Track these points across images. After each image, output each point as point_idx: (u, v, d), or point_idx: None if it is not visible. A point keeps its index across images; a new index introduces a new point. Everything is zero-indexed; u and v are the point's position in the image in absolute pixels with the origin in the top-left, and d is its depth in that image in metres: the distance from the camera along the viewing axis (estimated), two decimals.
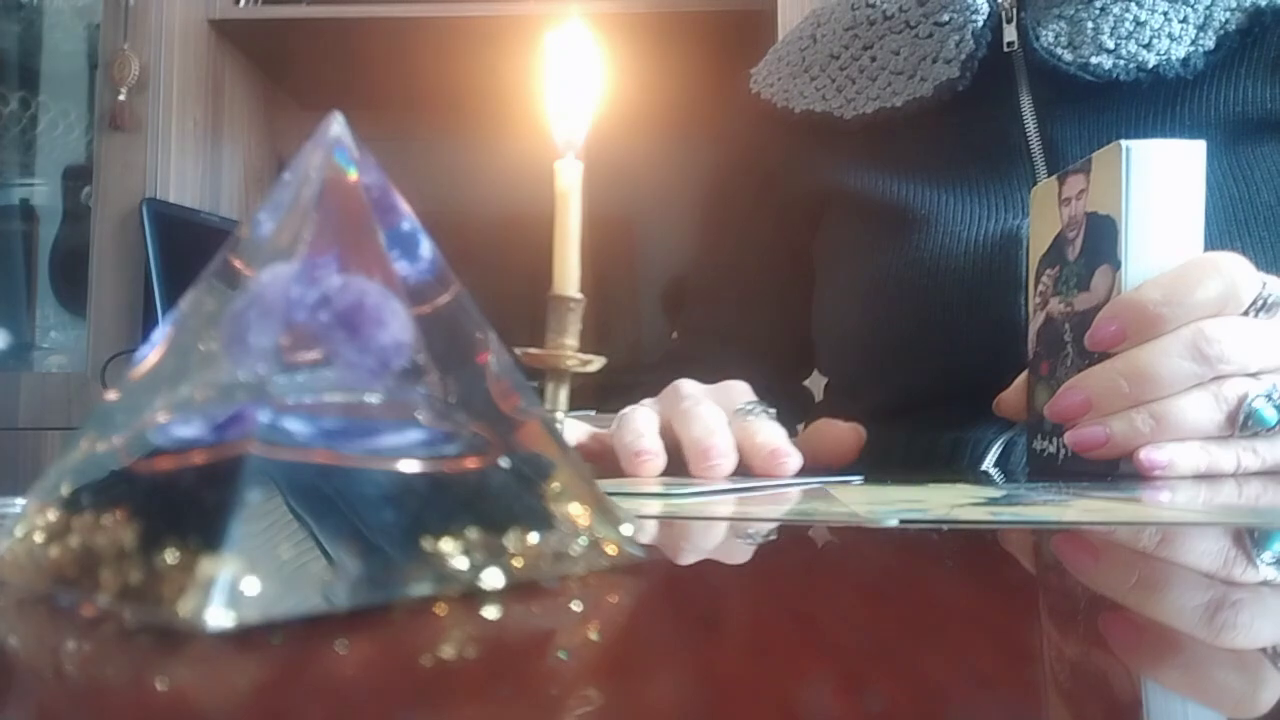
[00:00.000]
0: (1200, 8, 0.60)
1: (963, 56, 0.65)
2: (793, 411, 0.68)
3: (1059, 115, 0.64)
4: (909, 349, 0.67)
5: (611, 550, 0.20)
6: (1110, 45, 0.61)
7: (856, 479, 0.45)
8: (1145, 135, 0.61)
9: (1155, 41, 0.60)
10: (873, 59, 0.71)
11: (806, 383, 0.84)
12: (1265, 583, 0.20)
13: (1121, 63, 0.60)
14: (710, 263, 0.84)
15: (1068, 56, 0.62)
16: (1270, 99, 0.60)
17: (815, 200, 0.75)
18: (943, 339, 0.65)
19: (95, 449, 0.19)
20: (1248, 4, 0.60)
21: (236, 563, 0.15)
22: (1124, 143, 0.47)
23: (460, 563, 0.18)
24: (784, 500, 0.37)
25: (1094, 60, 0.61)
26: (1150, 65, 0.60)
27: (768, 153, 0.78)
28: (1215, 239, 0.56)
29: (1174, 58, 0.60)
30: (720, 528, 0.30)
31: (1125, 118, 0.62)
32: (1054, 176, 0.54)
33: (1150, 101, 0.62)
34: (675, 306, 1.82)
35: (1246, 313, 0.44)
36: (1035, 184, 0.64)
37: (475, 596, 0.17)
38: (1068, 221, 0.52)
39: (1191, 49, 0.60)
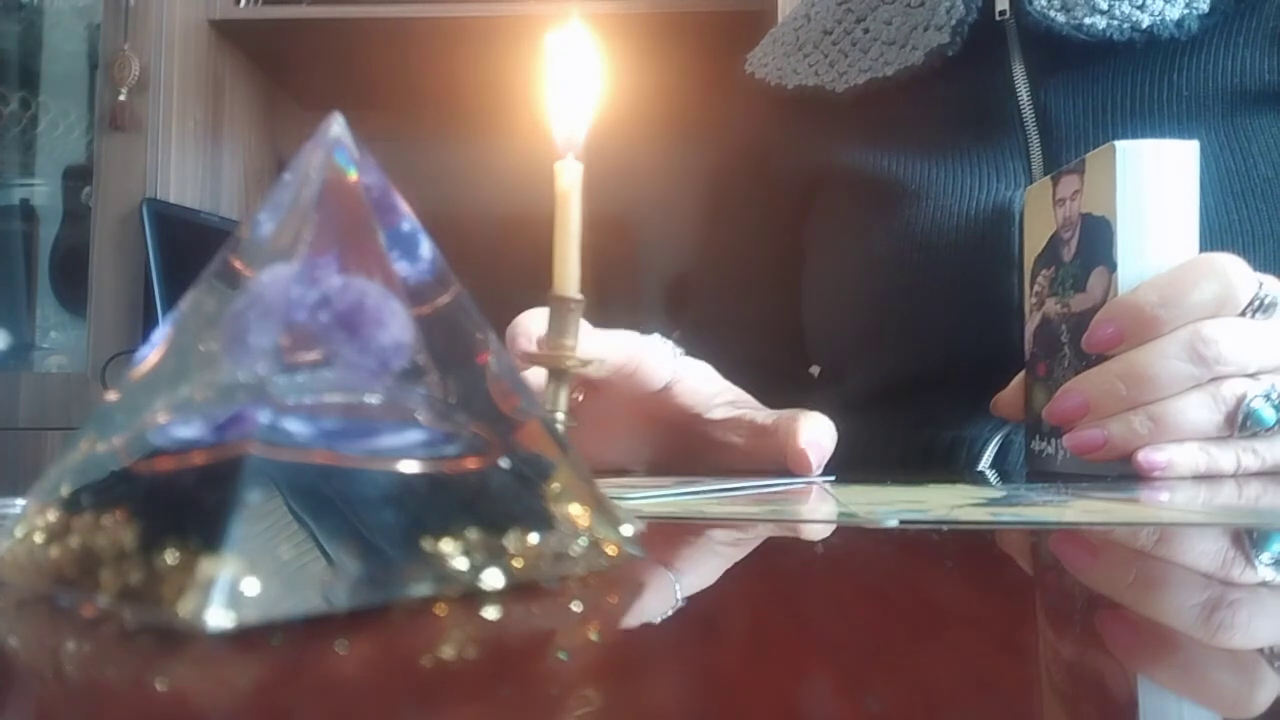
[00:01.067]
0: None
1: (953, 22, 0.64)
2: (802, 398, 0.68)
3: (1052, 83, 0.63)
4: (901, 328, 0.66)
5: (611, 550, 0.20)
6: (1104, 6, 0.60)
7: (828, 478, 0.45)
8: (1140, 104, 0.61)
9: (1149, 3, 0.60)
10: (865, 31, 0.71)
11: None
12: (1264, 583, 0.20)
13: (1115, 22, 0.60)
14: (713, 253, 0.84)
15: (1061, 18, 0.61)
16: (1268, 70, 0.60)
17: (809, 181, 0.75)
18: (935, 317, 0.64)
19: (95, 449, 0.19)
20: None
21: (236, 563, 0.15)
22: (1117, 143, 0.47)
23: (460, 563, 0.18)
24: (784, 500, 0.37)
25: (1087, 21, 0.60)
26: (1144, 25, 0.59)
27: (763, 134, 0.78)
28: (1212, 212, 0.56)
29: (1168, 18, 0.59)
30: (720, 528, 0.30)
31: (1120, 86, 0.61)
32: (1048, 176, 0.54)
33: (1146, 70, 0.61)
34: (676, 306, 1.82)
35: (1244, 313, 0.44)
36: (1028, 154, 0.64)
37: (475, 597, 0.17)
38: (1063, 222, 0.52)
39: (1186, 11, 0.59)
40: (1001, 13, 0.64)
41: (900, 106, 0.68)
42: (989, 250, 0.62)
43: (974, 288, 0.62)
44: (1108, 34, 0.60)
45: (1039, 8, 0.62)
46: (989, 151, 0.65)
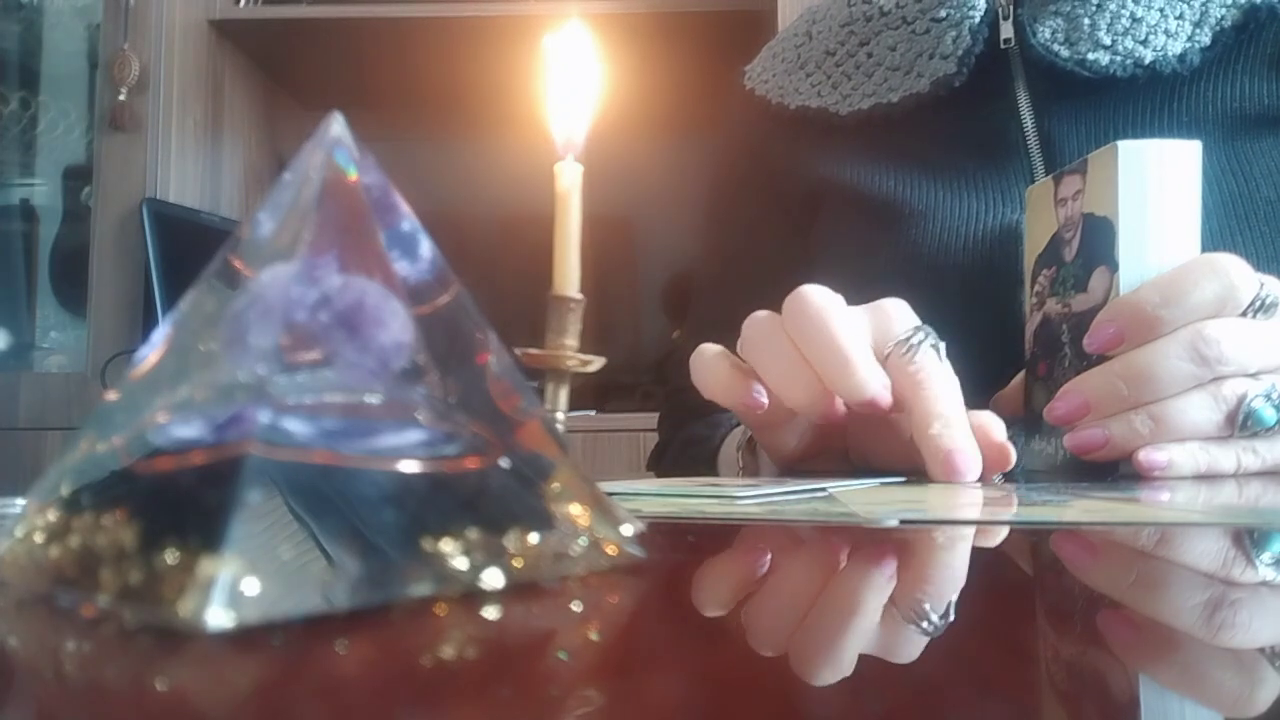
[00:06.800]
0: (1196, 4, 0.61)
1: (959, 52, 0.65)
2: None
3: (1056, 111, 0.64)
4: None
5: (611, 550, 0.20)
6: (1107, 41, 0.61)
7: (899, 479, 0.44)
8: (1143, 131, 0.61)
9: (1152, 38, 0.60)
10: (869, 55, 0.71)
11: None
12: (1264, 583, 0.20)
13: (1118, 59, 0.60)
14: (716, 257, 0.84)
15: (1064, 53, 0.62)
16: (1268, 94, 0.60)
17: (813, 195, 0.75)
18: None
19: (95, 449, 0.19)
20: (1243, 0, 0.60)
21: (236, 563, 0.15)
22: (1119, 143, 0.47)
23: (460, 563, 0.18)
24: (784, 501, 0.37)
25: (1091, 56, 0.61)
26: (1147, 61, 0.60)
27: (765, 148, 0.78)
28: (1215, 235, 0.56)
29: (1170, 54, 0.60)
30: (720, 528, 0.30)
31: (1123, 113, 0.62)
32: (1050, 176, 0.54)
33: (1148, 97, 0.62)
34: (676, 306, 1.82)
35: (1245, 313, 0.44)
36: (1033, 179, 0.64)
37: (475, 596, 0.17)
38: (1064, 222, 0.52)
39: (1188, 45, 0.60)
40: (1006, 41, 0.64)
41: (904, 130, 0.68)
42: (996, 271, 0.62)
43: (980, 308, 0.62)
44: (1110, 70, 0.60)
45: (1042, 40, 0.62)
46: (994, 176, 0.65)
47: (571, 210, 0.31)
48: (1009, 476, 0.51)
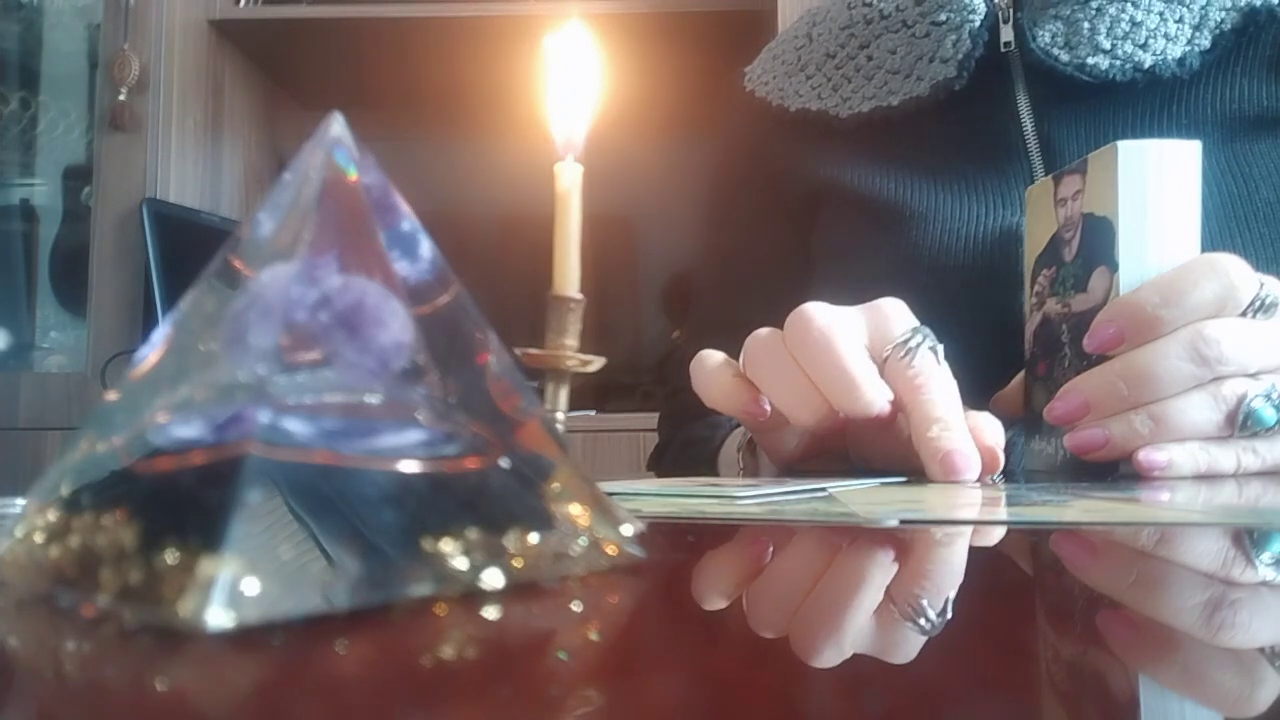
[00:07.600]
0: (1196, 7, 0.61)
1: (960, 56, 0.65)
2: None
3: (1056, 114, 0.64)
4: None
5: (611, 550, 0.20)
6: (1106, 45, 0.61)
7: (899, 479, 0.44)
8: (1142, 133, 0.61)
9: (1151, 42, 0.60)
10: (869, 58, 0.71)
11: None
12: (1264, 583, 0.20)
13: (1118, 63, 0.60)
14: (717, 258, 0.84)
15: (1064, 57, 0.62)
16: (1267, 96, 0.60)
17: (813, 196, 0.75)
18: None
19: (95, 449, 0.19)
20: (1243, 3, 0.60)
21: (236, 563, 0.15)
22: (1119, 143, 0.47)
23: (460, 563, 0.18)
24: (783, 501, 0.37)
25: (1090, 61, 0.61)
26: (1146, 65, 0.60)
27: (765, 149, 0.78)
28: (1215, 237, 0.56)
29: (1170, 58, 0.60)
30: (720, 528, 0.30)
31: (1122, 116, 0.62)
32: (1049, 176, 0.54)
33: (1147, 100, 0.62)
34: (676, 306, 1.82)
35: (1245, 313, 0.44)
36: (1032, 182, 0.64)
37: (475, 596, 0.17)
38: (1064, 222, 0.52)
39: (1187, 49, 0.60)
40: (1006, 45, 0.64)
41: (904, 133, 0.68)
42: (996, 273, 0.62)
43: (980, 310, 0.62)
44: (1110, 74, 0.60)
45: (1042, 44, 0.62)
46: (994, 179, 0.65)
47: (571, 210, 0.31)
48: (1009, 476, 0.51)
